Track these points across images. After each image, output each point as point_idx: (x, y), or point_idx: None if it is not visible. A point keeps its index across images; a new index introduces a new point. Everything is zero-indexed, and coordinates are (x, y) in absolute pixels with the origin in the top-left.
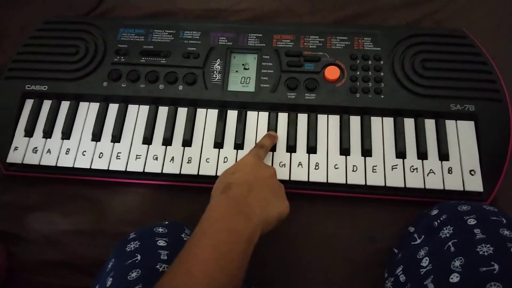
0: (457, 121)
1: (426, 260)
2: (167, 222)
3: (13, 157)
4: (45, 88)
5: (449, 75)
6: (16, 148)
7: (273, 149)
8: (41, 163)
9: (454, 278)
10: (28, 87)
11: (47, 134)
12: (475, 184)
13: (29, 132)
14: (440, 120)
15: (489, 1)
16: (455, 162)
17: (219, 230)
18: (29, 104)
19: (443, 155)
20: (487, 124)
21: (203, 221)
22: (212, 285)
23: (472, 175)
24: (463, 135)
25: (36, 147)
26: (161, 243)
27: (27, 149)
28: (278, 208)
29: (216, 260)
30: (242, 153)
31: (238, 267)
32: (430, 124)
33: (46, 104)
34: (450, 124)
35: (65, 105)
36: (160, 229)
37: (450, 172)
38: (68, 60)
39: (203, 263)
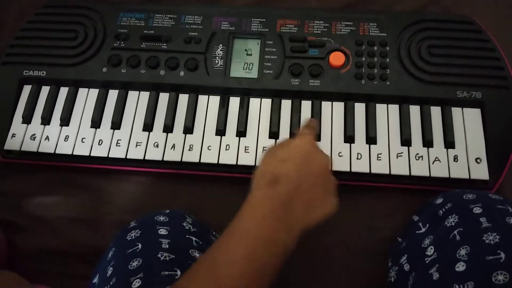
0: (463, 108)
1: (431, 249)
2: (168, 211)
3: (11, 144)
4: (43, 73)
5: (456, 62)
6: (14, 135)
7: (276, 136)
8: (39, 150)
9: (460, 266)
10: (26, 72)
11: (46, 120)
12: (481, 172)
13: (27, 119)
14: (446, 107)
15: None
16: (461, 150)
17: (257, 238)
18: (27, 90)
19: (449, 143)
20: (493, 111)
21: (242, 219)
22: None
23: (478, 163)
24: (469, 122)
25: (34, 134)
26: (162, 231)
27: (25, 136)
28: (324, 209)
29: (249, 276)
30: (244, 141)
31: (268, 282)
32: (436, 112)
33: (45, 90)
34: (456, 111)
35: (63, 91)
36: (161, 218)
37: (456, 160)
38: (67, 45)
39: (235, 275)
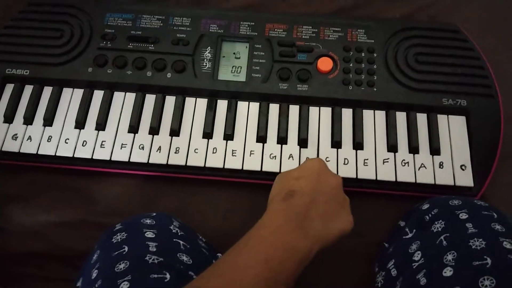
0: (449, 115)
1: (418, 254)
2: (154, 214)
3: None
4: (26, 72)
5: (442, 70)
6: None
7: (264, 140)
8: (21, 151)
9: (447, 272)
10: (8, 71)
11: (28, 120)
12: (466, 179)
13: (9, 118)
14: (432, 114)
15: None
16: (446, 156)
17: (275, 245)
18: (9, 88)
19: (435, 150)
20: (478, 119)
21: (260, 228)
22: None
23: (463, 170)
24: (454, 130)
25: (16, 134)
26: (149, 234)
27: (7, 136)
28: (340, 224)
29: (265, 278)
30: (231, 144)
31: None
32: (422, 118)
33: (28, 89)
34: (442, 118)
35: (47, 91)
36: (148, 221)
37: (441, 166)
38: (52, 44)
39: (252, 280)
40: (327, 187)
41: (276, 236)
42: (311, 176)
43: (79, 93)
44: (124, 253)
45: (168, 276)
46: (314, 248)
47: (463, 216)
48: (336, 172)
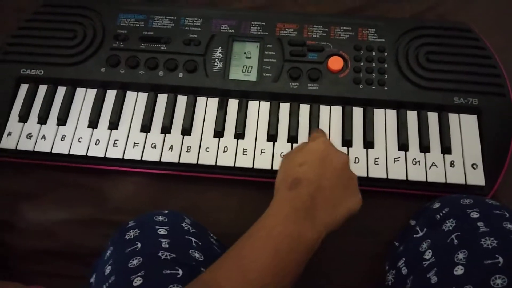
0: (460, 114)
1: (429, 252)
2: (166, 211)
3: (7, 142)
4: (41, 72)
5: (453, 68)
6: (9, 134)
7: (274, 139)
8: (35, 150)
9: (459, 270)
10: (23, 71)
11: (42, 119)
12: (477, 178)
13: (23, 118)
14: (443, 113)
15: None
16: (458, 155)
17: (282, 234)
18: (24, 88)
19: (446, 149)
20: (490, 118)
21: (266, 219)
22: None
23: (474, 169)
24: (465, 128)
25: (30, 133)
26: (162, 231)
27: (21, 135)
28: (348, 204)
29: (274, 270)
30: (242, 143)
31: (292, 279)
32: (433, 117)
33: (42, 89)
34: (453, 117)
35: (61, 91)
36: (160, 218)
37: (452, 165)
38: (65, 44)
39: (261, 269)
40: (332, 170)
41: (283, 226)
42: (315, 161)
43: (92, 92)
44: (137, 249)
45: (180, 272)
46: (321, 235)
47: (475, 215)
48: None
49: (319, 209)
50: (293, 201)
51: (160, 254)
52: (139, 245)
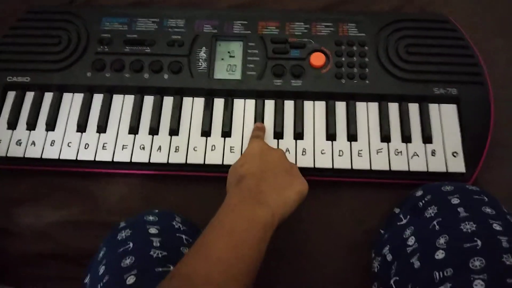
0: (440, 104)
1: (412, 239)
2: (157, 211)
3: None
4: (27, 79)
5: (432, 60)
6: None
7: None
8: (25, 156)
9: (440, 254)
10: (9, 78)
11: (31, 126)
12: (458, 165)
13: (12, 125)
14: (424, 103)
15: None
16: (438, 144)
17: (234, 219)
18: (11, 96)
19: (427, 138)
20: (469, 107)
21: (219, 213)
22: (230, 272)
23: (455, 156)
24: (446, 118)
25: (20, 140)
26: (153, 230)
27: (11, 142)
28: (295, 187)
29: (233, 247)
30: (229, 141)
31: (256, 254)
32: (414, 108)
33: (29, 96)
34: (433, 107)
35: (48, 96)
36: (151, 217)
37: (434, 154)
38: (50, 50)
39: (220, 250)
40: (271, 162)
41: (235, 212)
42: (253, 159)
43: (79, 97)
44: (129, 249)
45: (172, 268)
46: (275, 213)
47: (455, 201)
48: (331, 165)
49: (267, 193)
50: (241, 193)
51: (152, 252)
52: (131, 244)
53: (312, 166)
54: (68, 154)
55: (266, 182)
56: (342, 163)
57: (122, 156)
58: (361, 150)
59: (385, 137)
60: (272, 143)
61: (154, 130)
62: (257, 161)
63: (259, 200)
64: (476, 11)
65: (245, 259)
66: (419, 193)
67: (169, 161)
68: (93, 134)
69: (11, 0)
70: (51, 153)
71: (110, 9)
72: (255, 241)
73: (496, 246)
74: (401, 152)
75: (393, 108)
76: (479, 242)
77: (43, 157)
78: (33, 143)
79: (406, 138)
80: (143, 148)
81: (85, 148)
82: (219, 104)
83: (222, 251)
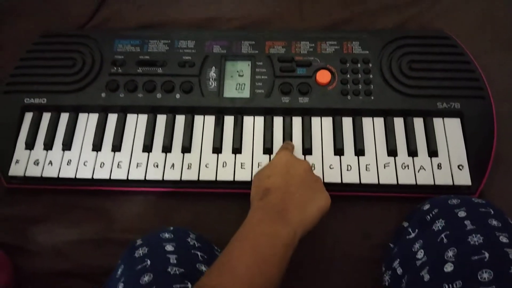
0: (444, 118)
1: (421, 252)
2: (171, 228)
3: (15, 170)
4: (44, 100)
5: (435, 75)
6: (17, 161)
7: (270, 152)
8: (43, 175)
9: (448, 267)
10: (27, 100)
11: (48, 146)
12: (464, 178)
13: (29, 145)
14: (428, 118)
15: (469, 4)
16: (444, 158)
17: (259, 234)
18: (28, 117)
19: (432, 152)
20: (472, 120)
21: (243, 227)
22: (253, 287)
23: (460, 169)
24: (450, 132)
25: (37, 159)
26: (169, 248)
27: (29, 162)
28: (317, 203)
29: (256, 263)
30: (240, 157)
31: (277, 271)
32: (418, 123)
33: (46, 117)
34: (437, 121)
35: (64, 117)
36: (166, 235)
37: (440, 167)
38: (65, 72)
39: (244, 266)
40: (296, 176)
41: (258, 228)
42: (280, 171)
43: (94, 117)
44: (147, 266)
45: (189, 285)
46: (297, 231)
47: (462, 214)
48: (340, 179)
49: (290, 210)
50: (265, 208)
51: (169, 269)
52: (148, 262)
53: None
54: (84, 173)
55: (290, 197)
56: (350, 178)
57: (136, 174)
58: (369, 165)
59: (392, 152)
60: None
61: (167, 148)
62: (283, 173)
63: (282, 217)
64: (476, 27)
65: (267, 275)
66: (426, 206)
67: (182, 178)
68: (108, 153)
69: (25, 24)
70: (67, 172)
71: (123, 31)
72: (277, 258)
73: (503, 258)
74: (407, 166)
75: (399, 123)
76: (486, 255)
77: (60, 176)
78: (50, 162)
79: (412, 152)
80: (157, 166)
81: (100, 167)
82: (229, 121)
83: (246, 266)
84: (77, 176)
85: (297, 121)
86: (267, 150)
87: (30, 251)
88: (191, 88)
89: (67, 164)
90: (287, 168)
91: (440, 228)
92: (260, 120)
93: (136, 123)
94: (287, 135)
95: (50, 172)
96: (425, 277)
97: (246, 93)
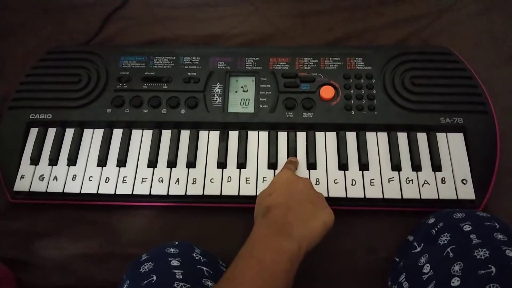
0: (447, 133)
1: (427, 266)
2: (176, 243)
3: (20, 185)
4: (49, 116)
5: (437, 90)
6: (22, 177)
7: (275, 167)
8: (48, 190)
9: (455, 282)
10: (32, 116)
11: (53, 161)
12: (468, 192)
13: (35, 160)
14: (431, 133)
15: (470, 19)
16: (448, 172)
17: (262, 250)
18: (34, 132)
19: (436, 166)
20: (475, 135)
21: (247, 243)
22: None
23: (464, 184)
24: (453, 146)
25: (42, 175)
26: (175, 263)
27: (34, 177)
28: (320, 218)
29: (261, 278)
30: (244, 172)
31: (283, 286)
32: (422, 137)
33: (51, 132)
34: (441, 136)
35: (69, 133)
36: (172, 250)
37: (444, 182)
38: (71, 88)
39: (250, 281)
40: (297, 193)
41: (262, 243)
42: (281, 188)
43: (99, 133)
44: (153, 281)
45: None
46: (302, 246)
47: (467, 228)
48: (345, 194)
49: (293, 225)
50: (268, 224)
51: (175, 285)
52: (154, 277)
53: (326, 195)
54: (89, 188)
55: (293, 212)
56: (355, 192)
57: (141, 189)
58: (373, 179)
59: (396, 166)
60: None
61: (172, 163)
62: (284, 190)
63: (286, 232)
64: (477, 42)
65: (272, 285)
66: (431, 220)
67: (187, 193)
68: (113, 168)
69: (31, 40)
70: (72, 188)
71: (128, 48)
72: (282, 272)
73: (510, 273)
74: (412, 180)
75: (402, 138)
76: (493, 269)
77: (65, 191)
78: (55, 178)
79: (416, 166)
80: (162, 181)
81: (105, 182)
82: (233, 136)
83: (251, 282)
84: (82, 191)
85: (301, 136)
86: (272, 165)
87: (35, 266)
88: (196, 104)
89: (72, 179)
90: (288, 185)
91: (445, 242)
92: (264, 135)
93: (141, 138)
94: (292, 150)
95: (55, 187)
96: None
97: (250, 108)
